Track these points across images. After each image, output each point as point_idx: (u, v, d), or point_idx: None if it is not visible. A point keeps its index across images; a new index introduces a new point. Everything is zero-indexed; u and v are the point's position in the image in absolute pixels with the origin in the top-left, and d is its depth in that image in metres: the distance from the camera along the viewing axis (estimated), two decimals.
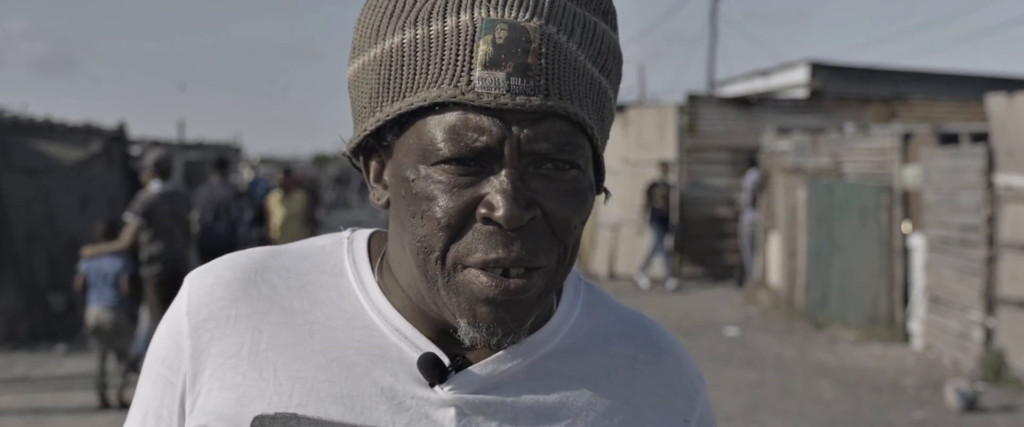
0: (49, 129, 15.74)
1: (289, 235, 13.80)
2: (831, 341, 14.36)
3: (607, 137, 1.37)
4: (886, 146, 15.03)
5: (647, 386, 1.45)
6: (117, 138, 16.75)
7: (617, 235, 21.96)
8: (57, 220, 14.27)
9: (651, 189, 19.82)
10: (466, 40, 1.24)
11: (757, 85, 26.65)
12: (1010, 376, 11.20)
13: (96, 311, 9.92)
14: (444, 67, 1.25)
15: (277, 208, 14.46)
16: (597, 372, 1.43)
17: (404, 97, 1.27)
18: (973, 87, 23.72)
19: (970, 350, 11.99)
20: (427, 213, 1.26)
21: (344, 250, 1.45)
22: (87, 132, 16.30)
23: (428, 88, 1.25)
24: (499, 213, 1.23)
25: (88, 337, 10.01)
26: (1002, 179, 11.58)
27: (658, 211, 19.75)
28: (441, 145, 1.25)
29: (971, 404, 10.33)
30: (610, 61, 1.33)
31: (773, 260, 18.54)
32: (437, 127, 1.25)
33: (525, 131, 1.24)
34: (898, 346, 13.74)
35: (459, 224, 1.26)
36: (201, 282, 1.42)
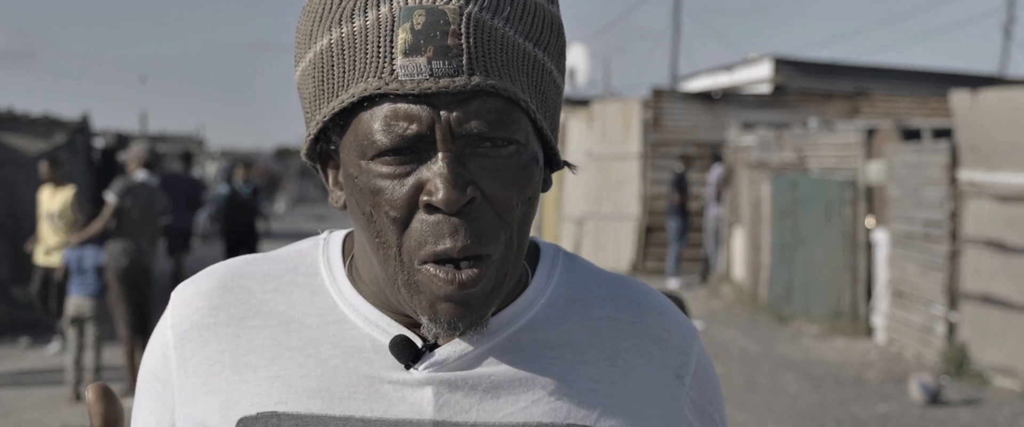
0: (12, 120, 15.62)
1: (51, 236, 12.20)
2: (795, 335, 14.45)
3: (555, 109, 1.36)
4: (850, 141, 15.13)
5: (633, 345, 1.43)
6: (81, 130, 16.64)
7: (581, 229, 22.01)
8: (21, 212, 14.16)
9: (678, 182, 19.47)
10: (386, 31, 1.25)
11: (721, 80, 26.75)
12: (972, 370, 11.31)
13: (77, 300, 9.87)
14: (368, 61, 1.26)
15: (45, 204, 12.28)
16: (578, 338, 1.41)
17: (337, 96, 1.29)
18: (935, 83, 23.94)
19: (933, 344, 12.09)
20: (376, 208, 1.28)
21: (319, 251, 1.47)
22: (50, 124, 16.19)
23: (356, 83, 1.26)
24: (438, 197, 1.24)
25: (66, 327, 9.93)
26: (965, 175, 11.69)
27: (681, 206, 19.48)
28: (376, 138, 1.26)
29: (934, 397, 10.41)
30: (546, 33, 1.32)
31: (737, 254, 18.63)
32: (370, 121, 1.26)
33: (454, 113, 1.24)
34: (862, 340, 13.84)
35: (406, 215, 1.27)
36: (182, 296, 1.45)
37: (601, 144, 21.79)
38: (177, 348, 1.42)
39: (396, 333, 1.37)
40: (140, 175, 10.37)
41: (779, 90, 22.86)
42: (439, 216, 1.26)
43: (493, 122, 1.26)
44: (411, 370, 1.35)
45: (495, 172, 1.28)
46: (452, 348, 1.36)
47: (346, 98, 1.28)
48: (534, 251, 1.49)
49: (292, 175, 60.42)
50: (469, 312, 1.29)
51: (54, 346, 12.82)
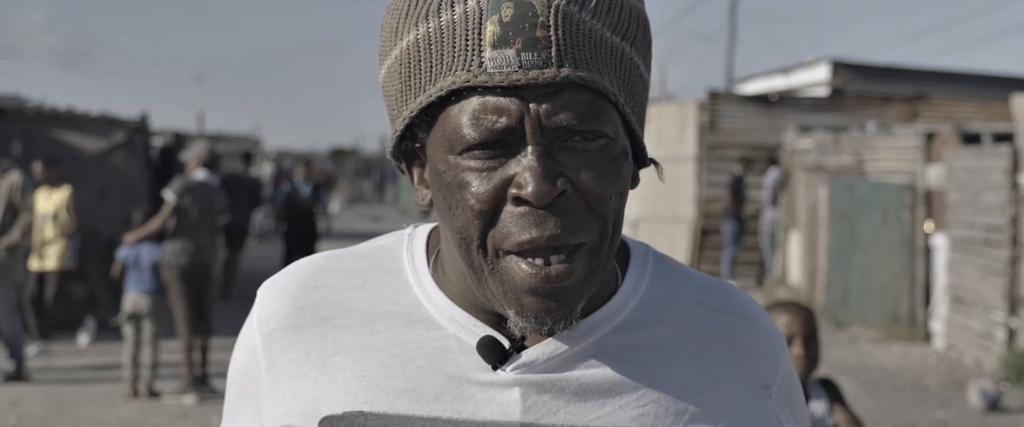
0: (72, 119, 15.77)
1: (45, 239, 12.36)
2: (852, 340, 14.33)
3: (642, 105, 1.36)
4: (909, 145, 14.99)
5: (722, 354, 1.41)
6: (139, 129, 16.78)
7: (636, 231, 21.95)
8: (81, 210, 14.30)
9: (736, 185, 19.32)
10: (474, 24, 1.24)
11: (777, 83, 26.61)
12: None
13: (134, 296, 9.94)
14: (456, 54, 1.25)
15: (40, 205, 12.10)
16: (668, 343, 1.39)
17: (425, 90, 1.28)
18: (995, 87, 23.68)
19: (993, 350, 11.95)
20: (461, 202, 1.26)
21: (404, 247, 1.46)
22: (110, 123, 16.33)
23: (444, 77, 1.26)
24: (528, 190, 1.22)
25: (123, 323, 10.01)
26: None
27: (737, 209, 19.30)
28: (464, 132, 1.25)
29: (994, 404, 10.30)
30: (632, 27, 1.32)
31: (793, 258, 18.51)
32: (458, 115, 1.26)
33: (544, 106, 1.23)
34: (919, 346, 13.71)
35: (492, 209, 1.25)
36: (268, 294, 1.46)
37: (657, 146, 21.71)
38: (265, 349, 1.42)
39: (483, 334, 1.35)
40: (199, 174, 10.44)
41: (836, 93, 22.70)
42: (526, 208, 1.24)
43: (582, 115, 1.25)
44: (498, 371, 1.34)
45: (587, 165, 1.26)
46: (540, 350, 1.35)
47: (434, 92, 1.27)
48: (623, 251, 1.48)
49: (347, 175, 60.73)
50: (559, 307, 1.27)
51: (84, 338, 12.96)
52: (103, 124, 16.19)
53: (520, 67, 1.22)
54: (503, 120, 1.23)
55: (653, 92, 27.55)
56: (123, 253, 10.15)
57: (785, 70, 27.27)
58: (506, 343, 1.35)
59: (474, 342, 1.35)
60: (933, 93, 22.76)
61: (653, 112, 22.25)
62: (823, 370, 11.93)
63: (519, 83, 1.22)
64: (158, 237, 10.13)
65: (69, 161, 14.38)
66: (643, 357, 1.38)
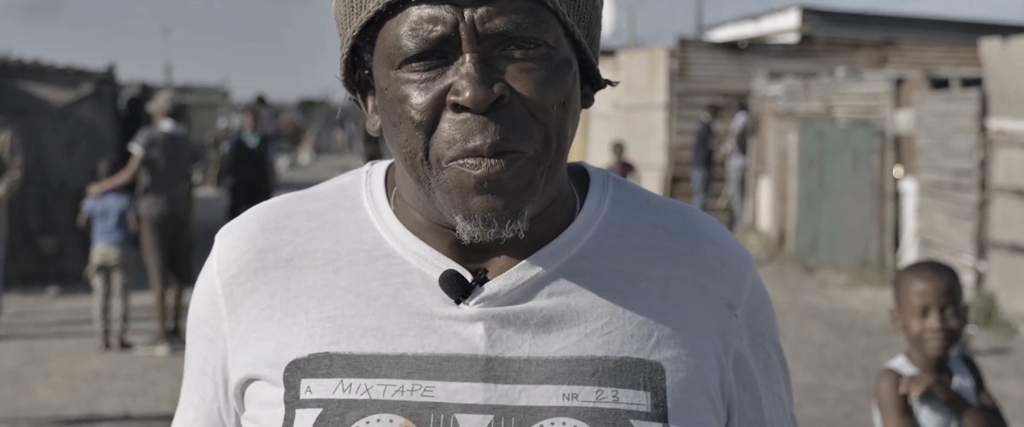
0: (38, 71, 15.62)
1: None
2: (822, 285, 14.42)
3: (591, 20, 1.34)
4: (878, 90, 15.03)
5: (686, 276, 1.41)
6: (106, 80, 16.64)
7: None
8: (47, 162, 14.21)
9: (704, 132, 19.34)
10: None
11: (747, 30, 26.59)
12: (1001, 319, 11.26)
13: (102, 248, 9.88)
14: None
15: None
16: (631, 268, 1.39)
17: (365, 7, 1.28)
18: (964, 32, 23.74)
19: None
20: (402, 116, 1.27)
21: (362, 185, 1.45)
22: (76, 75, 16.18)
23: None
24: (465, 96, 1.22)
25: (92, 275, 9.96)
26: (995, 123, 11.60)
27: (707, 156, 19.27)
28: (402, 44, 1.25)
29: (962, 347, 10.37)
30: None
31: (763, 204, 18.58)
32: (396, 28, 1.26)
33: (479, 11, 1.23)
34: (889, 289, 13.79)
35: (432, 118, 1.26)
36: (227, 239, 1.45)
37: (626, 94, 21.70)
38: (226, 294, 1.42)
39: (445, 267, 1.35)
40: (165, 125, 10.37)
41: (806, 40, 22.70)
42: (467, 114, 1.24)
43: (519, 22, 1.24)
44: (462, 305, 1.34)
45: (526, 71, 1.26)
46: (502, 282, 1.35)
47: (372, 7, 1.27)
48: (584, 177, 1.46)
49: (316, 126, 60.51)
50: (503, 204, 1.26)
51: (53, 290, 12.94)
52: (70, 76, 16.05)
53: None
54: (438, 28, 1.24)
55: (622, 39, 27.55)
56: (88, 205, 10.09)
57: (755, 17, 27.25)
58: (468, 276, 1.35)
59: (437, 276, 1.35)
60: (902, 38, 22.79)
61: (623, 60, 22.23)
62: (794, 316, 12.00)
63: None
64: (127, 189, 10.07)
65: (36, 113, 14.27)
66: (606, 283, 1.38)
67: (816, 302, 13.16)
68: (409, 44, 1.25)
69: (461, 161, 1.25)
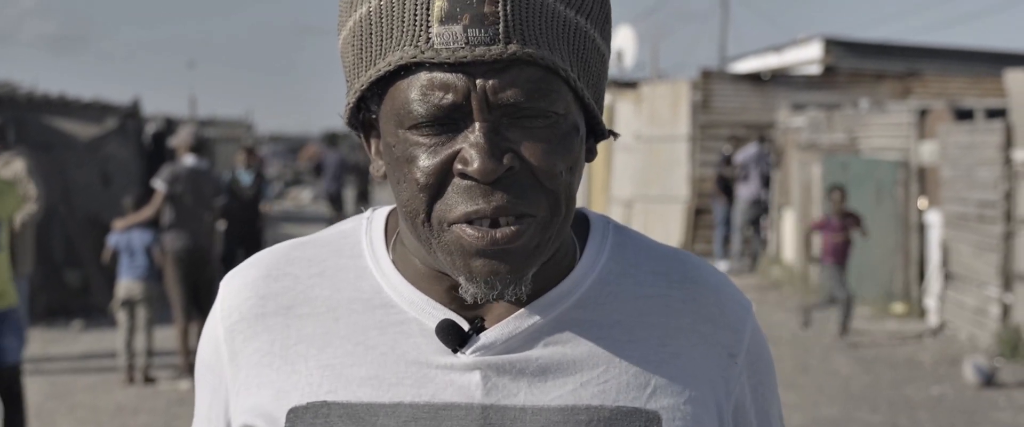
0: (63, 105, 15.73)
1: None
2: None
3: (599, 78, 1.34)
4: (902, 122, 14.99)
5: (684, 324, 1.40)
6: (131, 114, 16.74)
7: (630, 211, 21.95)
8: (74, 196, 14.28)
9: (727, 162, 19.20)
10: None
11: (770, 61, 26.58)
12: None
13: (127, 283, 9.92)
14: (404, 29, 1.24)
15: None
16: (628, 317, 1.39)
17: (375, 64, 1.27)
18: (987, 63, 23.67)
19: (987, 326, 11.97)
20: (408, 176, 1.26)
21: (362, 231, 1.46)
22: (102, 109, 16.29)
23: (393, 52, 1.25)
24: (473, 167, 1.22)
25: (116, 310, 9.99)
26: (1020, 155, 11.55)
27: (729, 187, 19.18)
28: (412, 108, 1.24)
29: (989, 379, 10.31)
30: (588, 1, 1.30)
31: (787, 236, 18.51)
32: (407, 90, 1.25)
33: (491, 82, 1.22)
34: (914, 322, 13.73)
35: (438, 183, 1.25)
36: (230, 285, 1.46)
37: (650, 126, 21.71)
38: (228, 341, 1.43)
39: (442, 317, 1.35)
40: (189, 160, 10.41)
41: (829, 71, 22.68)
42: (472, 183, 1.24)
43: (530, 91, 1.23)
44: (458, 354, 1.34)
45: (535, 141, 1.25)
46: (499, 331, 1.35)
47: (383, 66, 1.26)
48: (584, 224, 1.46)
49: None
50: (507, 270, 1.26)
51: (78, 324, 12.97)
52: (95, 110, 16.15)
53: (467, 43, 1.21)
54: (449, 97, 1.23)
55: (645, 71, 27.59)
56: (113, 239, 10.13)
57: (777, 48, 27.23)
58: (465, 325, 1.35)
59: (433, 325, 1.35)
60: (926, 69, 22.74)
61: (646, 92, 22.23)
62: (819, 348, 11.92)
63: (465, 60, 1.21)
64: (151, 223, 10.11)
65: (61, 147, 14.35)
66: (603, 332, 1.38)
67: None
68: (419, 109, 1.24)
69: (463, 226, 1.25)
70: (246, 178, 14.85)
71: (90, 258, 13.97)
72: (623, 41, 26.15)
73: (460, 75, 1.22)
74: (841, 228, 12.50)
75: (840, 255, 12.51)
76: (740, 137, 20.10)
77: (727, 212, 19.25)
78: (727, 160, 19.34)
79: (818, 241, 13.01)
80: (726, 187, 19.20)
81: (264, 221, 15.24)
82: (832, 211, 12.75)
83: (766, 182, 19.06)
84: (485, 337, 1.34)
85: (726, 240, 19.43)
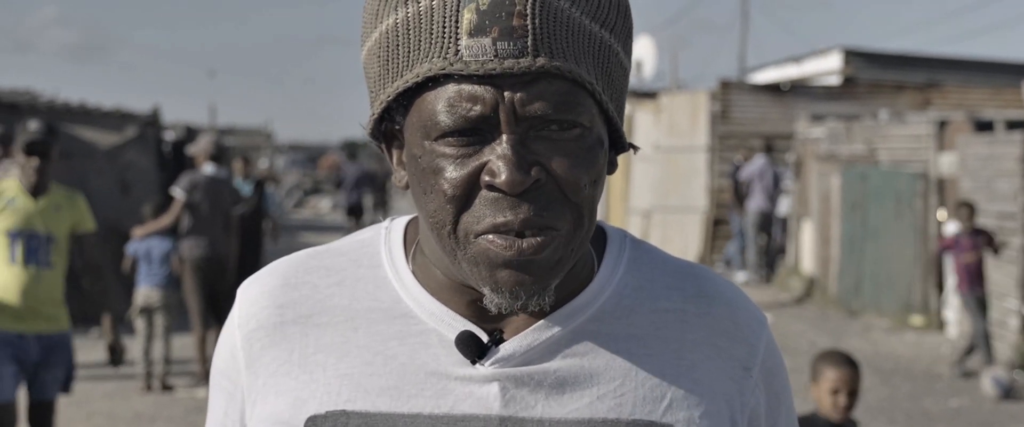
0: (84, 114, 15.81)
1: None
2: (865, 328, 14.31)
3: (621, 91, 1.35)
4: (921, 133, 14.95)
5: (700, 338, 1.41)
6: (151, 123, 16.81)
7: (649, 222, 21.93)
8: (94, 204, 14.29)
9: (738, 175, 19.23)
10: (451, 11, 1.23)
11: (789, 72, 26.54)
12: None
13: (145, 290, 9.96)
14: (433, 41, 1.25)
15: None
16: (644, 330, 1.40)
17: (402, 76, 1.28)
18: (1008, 74, 23.61)
19: (1006, 338, 11.92)
20: (435, 187, 1.27)
21: (381, 241, 1.46)
22: (122, 117, 16.37)
23: (421, 64, 1.25)
24: (501, 179, 1.22)
25: (134, 317, 10.03)
26: None
27: (742, 199, 19.12)
28: (440, 119, 1.25)
29: (1007, 392, 10.28)
30: (612, 15, 1.31)
31: (806, 247, 18.48)
32: (434, 102, 1.25)
33: (519, 94, 1.23)
34: (933, 334, 13.68)
35: (465, 194, 1.26)
36: (248, 293, 1.47)
37: (669, 136, 21.70)
38: (245, 348, 1.43)
39: (461, 328, 1.36)
40: (208, 168, 10.44)
41: (849, 82, 22.64)
42: (499, 194, 1.24)
43: (558, 104, 1.24)
44: (477, 366, 1.35)
45: (561, 154, 1.26)
46: (518, 343, 1.36)
47: (410, 78, 1.27)
48: (601, 237, 1.47)
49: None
50: (532, 280, 1.27)
51: (96, 332, 12.98)
52: (115, 118, 16.23)
53: (496, 56, 1.22)
54: (478, 108, 1.23)
55: (664, 82, 27.59)
56: (132, 247, 10.17)
57: (797, 59, 27.21)
58: (484, 337, 1.36)
59: (453, 336, 1.36)
60: (946, 80, 22.69)
61: (665, 102, 22.23)
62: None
63: (494, 72, 1.22)
64: (170, 231, 10.14)
65: (81, 155, 14.40)
66: (620, 345, 1.38)
67: (859, 346, 13.05)
68: (447, 120, 1.25)
69: (490, 237, 1.26)
70: (244, 189, 14.53)
71: (109, 266, 14.00)
72: (642, 51, 26.16)
73: (488, 87, 1.23)
74: (972, 246, 11.27)
75: (975, 278, 11.29)
76: (753, 147, 20.07)
77: (742, 223, 19.20)
78: (738, 171, 19.30)
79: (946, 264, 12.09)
80: (740, 198, 19.15)
81: (264, 235, 14.84)
82: (962, 229, 11.42)
83: (774, 195, 18.89)
84: (504, 349, 1.35)
85: (742, 250, 19.37)
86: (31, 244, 6.22)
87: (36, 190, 6.30)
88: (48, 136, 6.25)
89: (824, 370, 5.14)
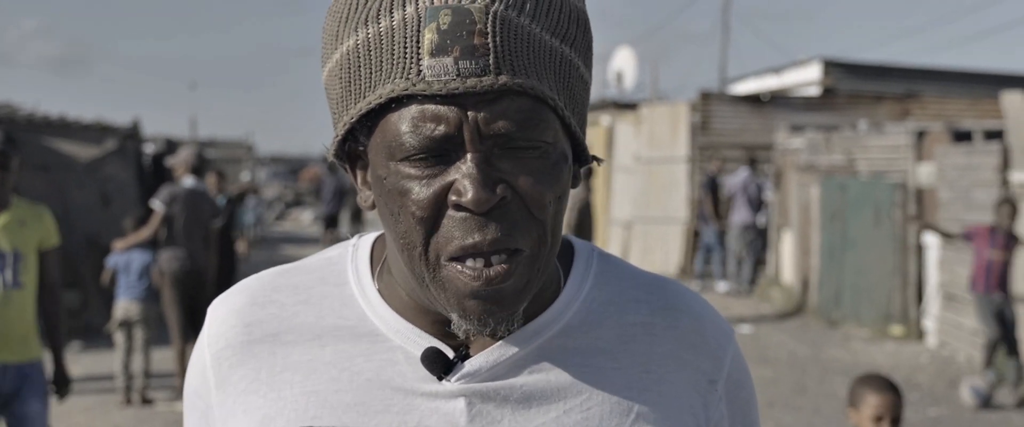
0: (63, 127, 15.75)
1: None
2: (845, 339, 14.34)
3: (583, 105, 1.35)
4: (900, 143, 15.01)
5: (666, 351, 1.42)
6: (131, 135, 16.76)
7: (629, 233, 21.95)
8: (73, 217, 14.29)
9: (713, 184, 19.31)
10: (412, 31, 1.23)
11: (770, 83, 26.62)
12: None
13: (124, 303, 9.93)
14: (395, 61, 1.24)
15: None
16: (611, 344, 1.40)
17: (364, 97, 1.28)
18: (986, 85, 23.73)
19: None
20: (403, 209, 1.27)
21: (348, 259, 1.47)
22: (101, 130, 16.31)
23: (383, 85, 1.25)
24: (467, 197, 1.22)
25: (114, 331, 10.00)
26: (1017, 176, 11.57)
27: (715, 211, 19.20)
28: (404, 139, 1.25)
29: (986, 401, 10.31)
30: (572, 29, 1.31)
31: (786, 258, 18.52)
32: (398, 122, 1.25)
33: (482, 113, 1.23)
34: (912, 344, 13.73)
35: (433, 215, 1.26)
36: (216, 313, 1.47)
37: (649, 147, 21.73)
38: (214, 367, 1.44)
39: (427, 345, 1.37)
40: (188, 181, 10.42)
41: (828, 92, 22.72)
42: (467, 214, 1.25)
43: (521, 122, 1.25)
44: (443, 382, 1.36)
45: (526, 171, 1.27)
46: (484, 358, 1.36)
47: (373, 99, 1.27)
48: (569, 252, 1.48)
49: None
50: (500, 308, 1.28)
51: (76, 345, 12.93)
52: (95, 131, 16.17)
53: (458, 75, 1.22)
54: (441, 128, 1.23)
55: (644, 93, 27.62)
56: (112, 260, 10.15)
57: (777, 70, 27.30)
58: (450, 353, 1.36)
59: (419, 353, 1.36)
60: (924, 91, 22.79)
61: (645, 113, 22.26)
62: (817, 370, 11.92)
63: (457, 91, 1.22)
64: (150, 244, 10.12)
65: (61, 169, 14.36)
66: (587, 360, 1.39)
67: (839, 356, 13.09)
68: (411, 140, 1.25)
69: (460, 264, 1.26)
70: (220, 203, 14.34)
71: (88, 279, 13.97)
72: (623, 62, 26.20)
73: (452, 107, 1.23)
74: (1005, 246, 10.65)
75: (994, 279, 10.64)
76: (726, 158, 20.11)
77: (720, 233, 19.21)
78: (712, 182, 19.35)
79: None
80: (715, 209, 19.18)
81: (236, 252, 14.57)
82: (1002, 226, 10.73)
83: (758, 207, 18.95)
84: (470, 365, 1.36)
85: (723, 262, 19.38)
86: None
87: None
88: (5, 146, 5.56)
89: (866, 396, 4.86)
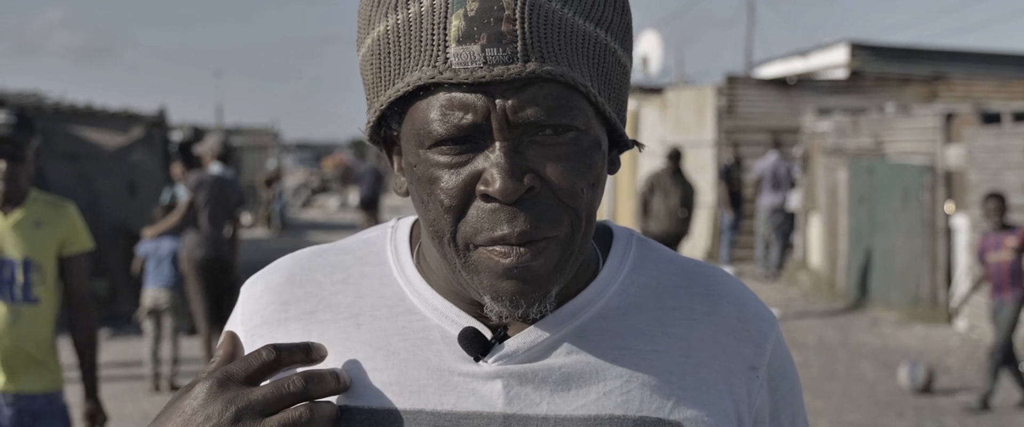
0: (90, 115, 15.82)
1: None
2: (873, 322, 14.29)
3: (621, 90, 1.32)
4: (928, 126, 14.92)
5: (707, 336, 1.40)
6: (158, 123, 16.82)
7: None
8: (100, 205, 14.34)
9: (728, 173, 19.33)
10: (439, 18, 1.21)
11: (796, 66, 26.52)
12: None
13: (153, 291, 9.97)
14: (422, 49, 1.23)
15: None
16: (650, 328, 1.38)
17: (394, 84, 1.27)
18: (1015, 66, 23.58)
19: (1016, 330, 11.88)
20: (432, 196, 1.26)
21: (387, 239, 1.46)
22: (128, 118, 16.38)
23: (411, 72, 1.24)
24: (495, 187, 1.21)
25: (142, 318, 10.03)
26: None
27: (734, 196, 19.26)
28: (432, 127, 1.23)
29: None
30: (607, 11, 1.28)
31: (814, 241, 18.45)
32: (426, 110, 1.24)
33: (510, 101, 1.21)
34: (941, 327, 13.66)
35: (462, 204, 1.25)
36: (252, 289, 1.47)
37: (675, 132, 21.68)
38: (249, 344, 1.43)
39: (465, 324, 1.35)
40: (214, 168, 10.44)
41: (855, 75, 22.61)
42: (495, 204, 1.23)
43: (550, 109, 1.22)
44: (480, 362, 1.34)
45: (556, 160, 1.24)
46: (521, 339, 1.35)
47: (401, 87, 1.25)
48: (607, 236, 1.46)
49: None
50: (532, 288, 1.26)
51: (104, 333, 12.98)
52: (122, 119, 16.25)
53: (485, 63, 1.20)
54: (469, 116, 1.22)
55: (670, 77, 27.57)
56: (142, 248, 10.18)
57: (803, 53, 27.17)
58: (488, 333, 1.35)
59: (456, 333, 1.35)
60: (952, 73, 22.66)
61: (671, 97, 22.21)
62: (845, 354, 11.88)
63: (483, 80, 1.20)
64: (179, 231, 10.14)
65: (88, 157, 14.42)
66: (626, 342, 1.37)
67: (868, 340, 13.04)
68: (439, 128, 1.23)
69: (489, 248, 1.24)
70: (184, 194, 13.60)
71: (116, 267, 14.03)
72: (648, 47, 26.12)
73: (479, 95, 1.21)
74: (1005, 243, 9.93)
75: (1007, 280, 9.92)
76: (737, 143, 20.05)
77: (734, 220, 19.17)
78: (727, 171, 19.29)
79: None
80: (733, 196, 19.14)
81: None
82: (990, 224, 10.20)
83: (789, 188, 18.92)
84: (508, 346, 1.34)
85: (733, 245, 19.36)
86: (0, 274, 4.62)
87: (5, 203, 4.68)
88: (16, 131, 4.54)
89: None
